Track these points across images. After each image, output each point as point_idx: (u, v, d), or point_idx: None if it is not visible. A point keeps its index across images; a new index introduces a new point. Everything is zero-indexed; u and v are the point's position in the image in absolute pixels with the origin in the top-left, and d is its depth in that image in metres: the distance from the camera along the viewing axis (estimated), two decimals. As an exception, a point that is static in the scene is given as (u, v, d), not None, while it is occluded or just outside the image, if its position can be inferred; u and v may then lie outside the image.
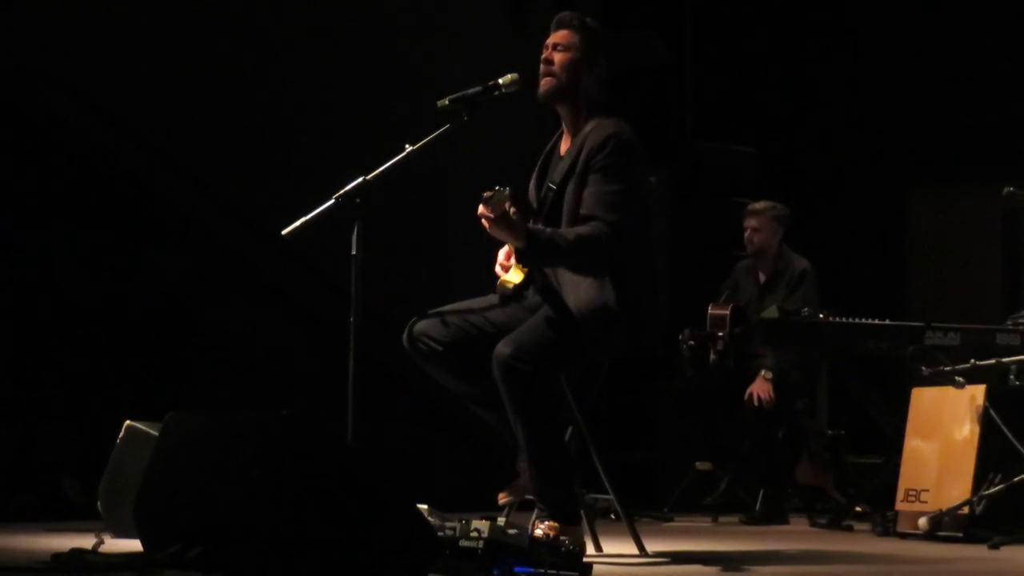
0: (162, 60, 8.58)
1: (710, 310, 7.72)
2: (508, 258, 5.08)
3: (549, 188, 5.06)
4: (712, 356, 7.61)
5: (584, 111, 5.06)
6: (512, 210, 4.68)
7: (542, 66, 5.05)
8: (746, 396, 7.55)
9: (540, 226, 4.94)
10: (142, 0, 8.70)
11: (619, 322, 4.89)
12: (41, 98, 8.44)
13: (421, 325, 5.01)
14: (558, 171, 5.05)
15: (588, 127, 5.02)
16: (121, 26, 8.50)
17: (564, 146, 5.12)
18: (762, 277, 7.94)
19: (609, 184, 4.90)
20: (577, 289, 4.91)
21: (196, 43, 8.75)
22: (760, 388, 7.53)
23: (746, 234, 7.94)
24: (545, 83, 5.05)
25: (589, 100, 5.06)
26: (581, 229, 4.87)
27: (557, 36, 5.06)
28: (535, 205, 5.10)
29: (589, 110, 5.06)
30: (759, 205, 7.93)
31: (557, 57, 5.04)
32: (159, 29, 8.66)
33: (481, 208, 4.70)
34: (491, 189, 4.67)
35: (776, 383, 7.54)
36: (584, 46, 5.04)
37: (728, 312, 7.63)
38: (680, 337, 7.58)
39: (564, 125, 5.15)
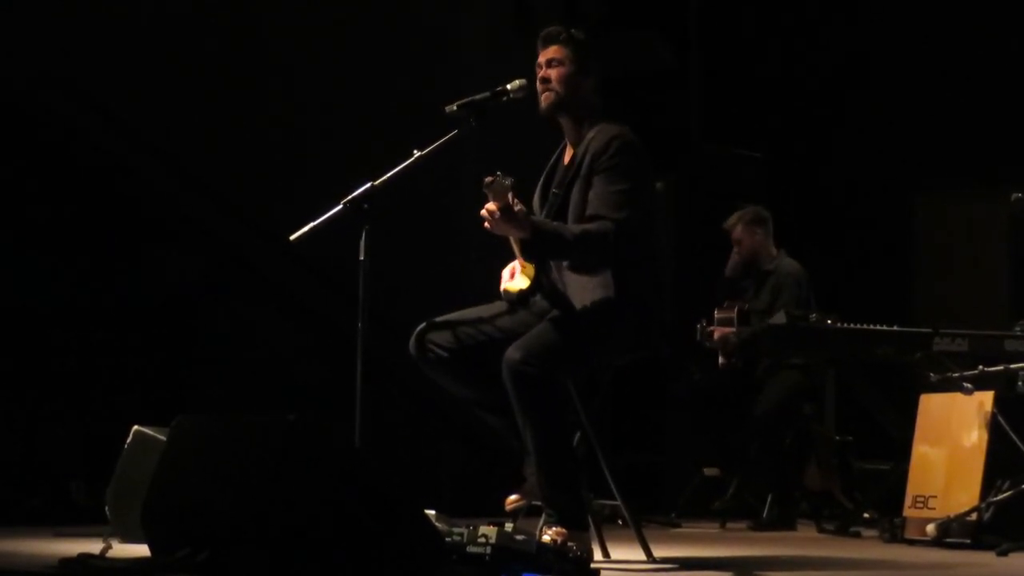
0: (166, 61, 8.59)
1: (716, 314, 7.74)
2: (512, 275, 5.10)
3: (554, 194, 5.09)
4: (721, 359, 7.63)
5: (586, 120, 5.11)
6: (515, 201, 4.69)
7: (539, 84, 5.10)
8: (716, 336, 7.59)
9: (544, 218, 4.96)
10: (152, 3, 8.71)
11: (623, 316, 4.91)
12: (43, 99, 8.44)
13: (428, 332, 5.01)
14: (563, 179, 5.07)
15: (590, 134, 5.06)
16: (122, 26, 8.51)
17: (567, 156, 5.16)
18: (751, 282, 7.95)
19: (614, 184, 4.93)
20: (583, 290, 4.93)
21: (200, 44, 8.76)
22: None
23: (733, 252, 7.95)
24: (545, 98, 5.10)
25: (589, 109, 5.12)
26: (587, 225, 4.90)
27: (548, 52, 5.11)
28: (540, 215, 5.11)
29: (590, 118, 5.10)
30: (730, 221, 7.94)
31: (553, 73, 5.09)
32: (161, 29, 8.67)
33: (484, 210, 4.71)
34: (492, 175, 4.67)
35: (785, 389, 7.55)
36: (576, 57, 5.09)
37: (735, 315, 7.65)
38: (699, 326, 7.60)
39: (567, 137, 5.20)
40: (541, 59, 5.11)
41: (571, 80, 5.07)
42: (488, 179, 4.67)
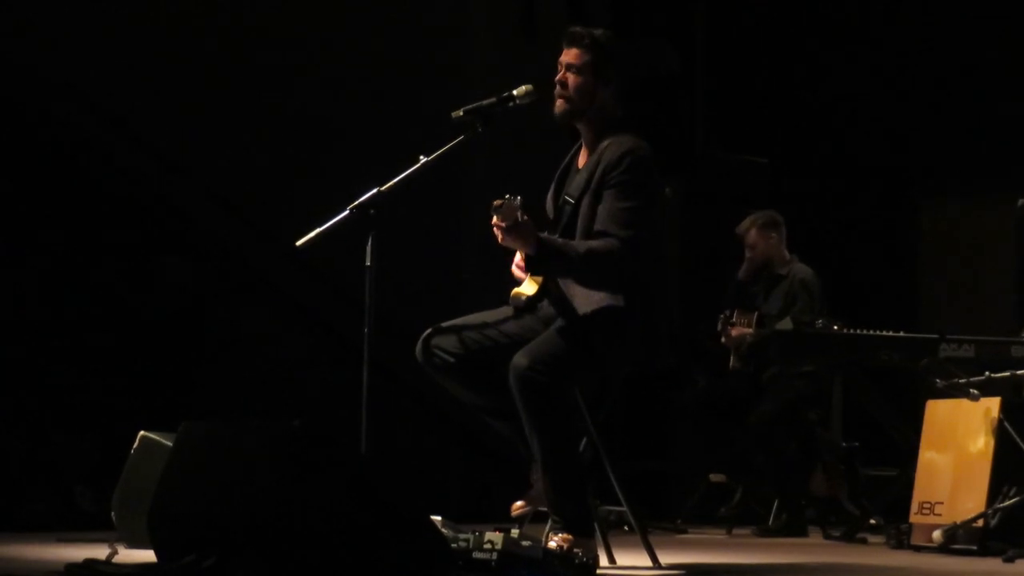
0: (174, 67, 8.60)
1: (736, 316, 7.74)
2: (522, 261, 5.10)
3: (567, 201, 5.05)
4: (732, 360, 7.63)
5: (601, 127, 5.04)
6: (524, 217, 4.69)
7: (556, 87, 5.04)
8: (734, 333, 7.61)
9: (552, 236, 4.94)
10: (157, 10, 8.72)
11: (629, 328, 4.89)
12: (53, 104, 8.45)
13: (435, 338, 5.00)
14: (575, 184, 5.05)
15: (605, 143, 5.00)
16: (125, 29, 8.53)
17: (582, 160, 5.12)
18: (762, 286, 7.94)
19: (623, 201, 4.89)
20: (589, 301, 4.92)
21: (209, 51, 8.77)
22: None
23: (747, 256, 7.94)
24: (559, 105, 5.03)
25: (606, 115, 5.05)
26: (593, 243, 4.88)
27: (568, 55, 5.03)
28: (552, 217, 5.11)
29: (606, 125, 5.04)
30: (743, 225, 7.93)
31: (570, 79, 5.01)
32: (165, 33, 8.68)
33: (495, 219, 4.72)
34: (500, 198, 4.68)
35: (783, 397, 7.55)
36: (596, 64, 5.01)
37: (754, 318, 7.67)
38: (722, 315, 7.61)
39: (582, 138, 5.13)
40: (561, 60, 5.03)
41: (587, 89, 4.99)
42: (497, 202, 4.68)
